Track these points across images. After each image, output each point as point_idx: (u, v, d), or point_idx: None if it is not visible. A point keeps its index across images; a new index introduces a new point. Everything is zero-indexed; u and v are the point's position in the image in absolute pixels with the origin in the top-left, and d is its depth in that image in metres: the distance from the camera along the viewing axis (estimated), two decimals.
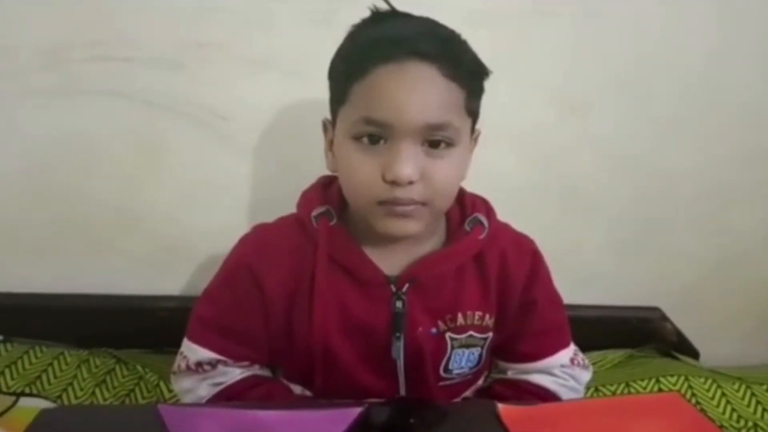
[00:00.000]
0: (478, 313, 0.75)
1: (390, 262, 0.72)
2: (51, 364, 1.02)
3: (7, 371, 0.98)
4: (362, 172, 0.64)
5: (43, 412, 0.61)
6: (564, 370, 0.81)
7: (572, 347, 0.83)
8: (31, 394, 0.96)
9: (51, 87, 1.02)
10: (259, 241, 0.76)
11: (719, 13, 1.05)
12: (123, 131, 1.05)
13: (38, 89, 1.02)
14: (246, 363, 0.77)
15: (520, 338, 0.79)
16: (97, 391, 0.99)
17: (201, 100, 1.04)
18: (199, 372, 0.75)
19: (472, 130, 0.71)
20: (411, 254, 0.73)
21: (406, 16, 0.68)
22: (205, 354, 0.74)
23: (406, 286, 0.72)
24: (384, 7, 0.69)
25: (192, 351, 0.75)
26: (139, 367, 1.02)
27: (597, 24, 1.04)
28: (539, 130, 1.09)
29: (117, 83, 1.02)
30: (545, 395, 0.79)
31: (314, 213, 0.73)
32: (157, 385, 0.99)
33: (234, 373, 0.76)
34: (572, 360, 0.82)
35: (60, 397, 0.97)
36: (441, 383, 0.76)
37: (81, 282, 1.10)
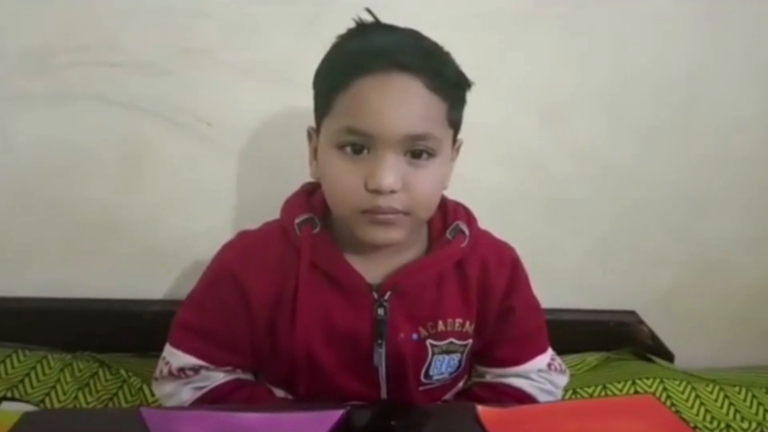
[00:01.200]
0: (458, 320, 0.75)
1: (372, 269, 0.72)
2: (34, 368, 1.00)
3: None
4: (345, 181, 0.65)
5: (26, 416, 0.60)
6: (541, 375, 0.81)
7: (549, 352, 0.84)
8: (13, 398, 0.95)
9: (37, 92, 1.01)
10: (242, 248, 0.76)
11: (699, 23, 1.07)
12: (109, 136, 1.04)
13: (24, 94, 1.01)
14: (228, 368, 0.76)
15: (499, 344, 0.80)
16: (80, 395, 0.98)
17: (187, 106, 1.03)
18: (182, 377, 0.74)
19: (454, 140, 0.72)
20: (393, 262, 0.73)
21: (390, 28, 0.68)
22: (187, 359, 0.74)
23: (388, 293, 0.72)
24: (368, 18, 0.69)
25: (174, 356, 0.74)
26: (122, 371, 1.01)
27: (579, 33, 1.06)
28: (521, 138, 1.10)
29: (104, 88, 1.01)
30: (523, 398, 0.80)
31: (297, 220, 0.73)
32: (140, 388, 0.98)
33: (217, 377, 0.75)
34: (549, 365, 0.82)
35: (43, 401, 0.96)
36: (421, 388, 0.76)
37: (65, 286, 1.09)
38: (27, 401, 0.94)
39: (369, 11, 0.69)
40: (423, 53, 0.65)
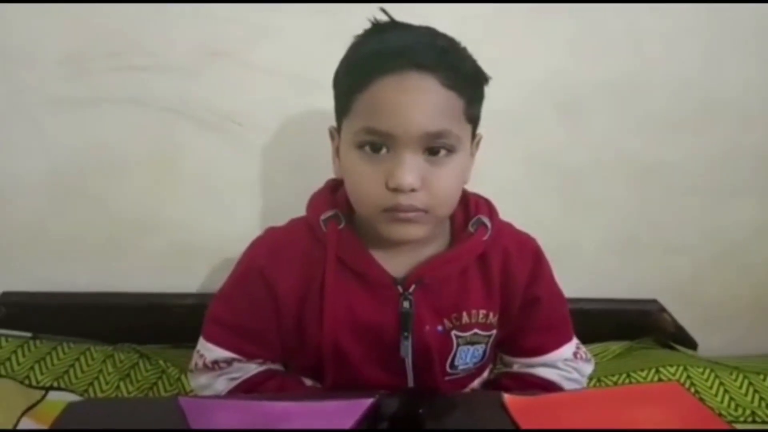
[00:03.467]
0: (482, 312, 0.74)
1: (396, 263, 0.72)
2: (78, 359, 1.02)
3: (36, 366, 0.99)
4: (366, 181, 0.65)
5: (70, 405, 0.61)
6: (567, 363, 0.80)
7: (575, 341, 0.82)
8: (59, 388, 0.97)
9: (73, 96, 1.02)
10: (270, 245, 0.76)
11: (712, 14, 1.04)
12: (142, 137, 1.05)
13: (61, 98, 1.02)
14: (260, 360, 0.77)
15: (524, 334, 0.79)
16: (122, 384, 1.00)
17: (215, 107, 1.04)
18: (216, 369, 0.75)
19: (473, 135, 0.71)
20: (417, 256, 0.73)
21: (406, 27, 0.67)
22: (220, 353, 0.75)
23: (413, 286, 0.71)
24: (384, 17, 0.68)
25: (208, 350, 0.75)
26: (161, 362, 1.03)
27: (593, 24, 1.04)
28: (538, 130, 1.08)
29: (135, 91, 1.02)
30: (550, 387, 0.79)
31: (323, 217, 0.73)
32: (179, 378, 0.99)
33: (249, 369, 0.76)
34: (575, 354, 0.81)
35: (87, 390, 0.98)
36: (446, 378, 0.76)
37: (103, 281, 1.11)
38: (72, 391, 0.96)
39: (384, 11, 0.68)
40: (438, 51, 0.64)
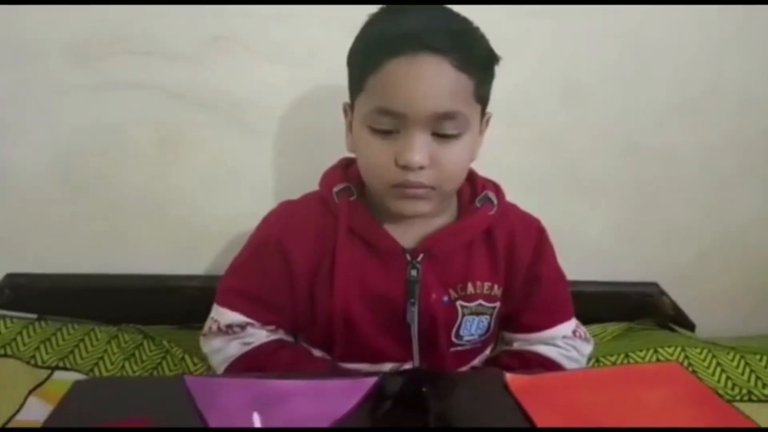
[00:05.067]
0: (487, 284, 0.76)
1: (405, 235, 0.74)
2: (82, 339, 1.02)
3: (42, 347, 0.99)
4: (377, 158, 0.66)
5: (77, 384, 0.61)
6: (567, 341, 0.81)
7: (574, 321, 0.83)
8: (64, 368, 0.96)
9: (79, 82, 1.02)
10: (284, 217, 0.78)
11: (715, 2, 1.03)
12: (147, 122, 1.05)
13: (68, 84, 1.02)
14: (272, 327, 0.78)
15: (525, 311, 0.80)
16: (127, 364, 1.00)
17: (219, 92, 1.03)
18: (229, 333, 0.76)
19: (483, 113, 0.71)
20: (425, 228, 0.74)
21: (420, 8, 0.67)
22: (234, 316, 0.76)
23: (421, 256, 0.73)
24: None
25: (222, 314, 0.76)
26: (165, 342, 1.03)
27: (598, 11, 1.02)
28: (542, 116, 1.07)
29: (140, 77, 1.02)
30: (549, 365, 0.79)
31: (335, 189, 0.75)
32: (182, 358, 0.99)
33: (261, 336, 0.77)
34: (574, 332, 0.82)
35: (92, 370, 0.97)
36: (452, 349, 0.77)
37: (110, 264, 1.11)
38: (78, 370, 0.96)
39: None
40: (451, 34, 0.64)
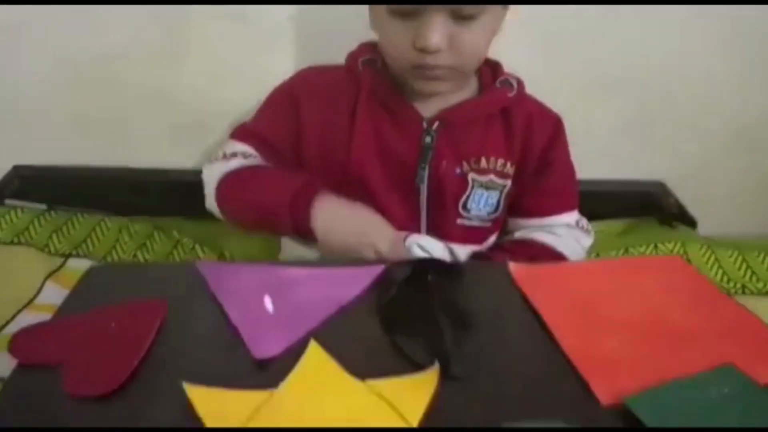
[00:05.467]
0: (500, 160, 0.78)
1: (425, 106, 0.76)
2: (93, 229, 1.03)
3: (54, 236, 1.00)
4: (395, 39, 0.69)
5: (92, 269, 0.63)
6: (568, 230, 0.83)
7: (576, 213, 0.85)
8: (78, 256, 0.98)
9: None
10: (305, 75, 0.82)
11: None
12: (153, 14, 1.00)
13: None
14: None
15: (531, 194, 0.82)
16: (139, 253, 1.01)
17: None
18: (235, 158, 0.79)
19: None
20: (444, 102, 0.76)
21: None
22: (242, 147, 0.80)
23: (436, 124, 0.75)
24: None
25: (230, 145, 0.81)
26: (175, 233, 1.04)
27: None
28: (557, 23, 1.03)
29: None
30: (548, 252, 0.81)
31: (361, 59, 0.78)
32: (193, 248, 1.01)
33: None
34: (576, 222, 0.84)
35: (105, 258, 0.99)
36: (459, 221, 0.79)
37: (117, 156, 1.11)
38: (91, 258, 0.98)
39: None
40: None
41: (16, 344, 0.51)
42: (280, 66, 1.03)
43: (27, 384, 0.47)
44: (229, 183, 0.78)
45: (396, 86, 0.75)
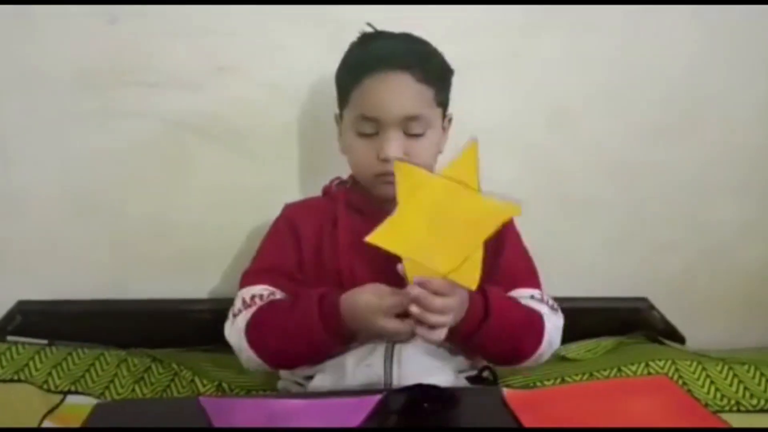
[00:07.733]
0: None
1: (392, 208, 0.78)
2: (93, 364, 1.04)
3: (53, 372, 1.01)
4: (362, 155, 0.84)
5: (98, 406, 0.64)
6: (536, 303, 0.84)
7: (540, 290, 0.87)
8: (76, 392, 0.98)
9: (86, 110, 1.06)
10: (290, 206, 0.94)
11: (697, 24, 1.10)
12: (152, 149, 1.08)
13: (75, 112, 1.06)
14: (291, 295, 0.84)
15: (494, 274, 0.83)
16: (137, 387, 1.01)
17: (222, 119, 1.08)
18: (254, 305, 0.81)
19: (444, 115, 0.88)
20: None
21: (388, 36, 0.87)
22: (258, 289, 0.83)
23: None
24: (371, 29, 0.88)
25: (247, 292, 0.83)
26: (174, 365, 1.04)
27: (585, 36, 1.09)
28: (533, 137, 1.12)
29: (146, 105, 1.06)
30: (530, 309, 0.82)
31: (335, 183, 0.93)
32: (192, 380, 1.01)
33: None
34: (542, 297, 0.86)
35: (103, 393, 0.99)
36: None
37: (117, 289, 1.13)
38: (89, 394, 0.98)
39: (370, 25, 0.88)
40: (414, 54, 0.83)
41: None
42: (280, 193, 1.09)
43: None
44: (254, 328, 0.79)
45: (366, 195, 0.87)
